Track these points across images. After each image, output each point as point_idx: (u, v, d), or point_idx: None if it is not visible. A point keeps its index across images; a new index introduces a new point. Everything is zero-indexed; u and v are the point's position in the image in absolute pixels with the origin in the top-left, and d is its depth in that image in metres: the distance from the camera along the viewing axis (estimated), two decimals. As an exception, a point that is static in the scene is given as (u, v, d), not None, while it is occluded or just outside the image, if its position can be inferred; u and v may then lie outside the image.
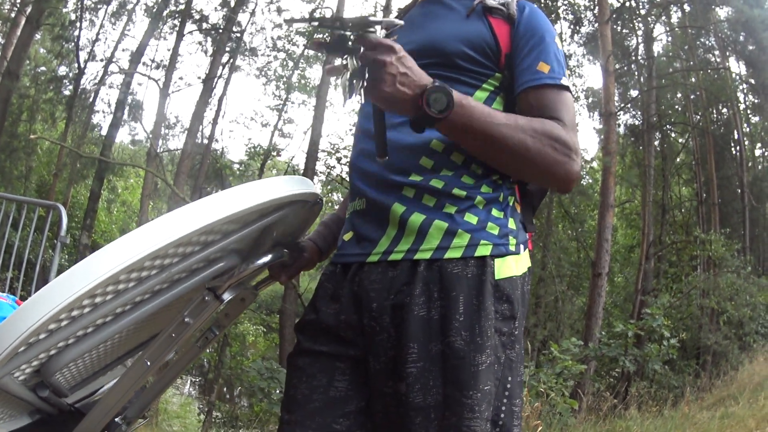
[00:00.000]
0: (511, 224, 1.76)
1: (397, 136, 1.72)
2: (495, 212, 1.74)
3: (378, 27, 1.51)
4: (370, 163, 1.80)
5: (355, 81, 1.52)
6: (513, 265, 1.72)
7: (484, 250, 1.67)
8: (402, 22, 1.54)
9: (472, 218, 1.70)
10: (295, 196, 1.58)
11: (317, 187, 1.54)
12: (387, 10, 17.00)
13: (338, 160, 19.94)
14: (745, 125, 23.76)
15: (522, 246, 1.78)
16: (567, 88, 1.76)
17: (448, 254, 1.66)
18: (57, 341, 1.40)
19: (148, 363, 1.60)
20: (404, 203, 1.72)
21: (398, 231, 1.72)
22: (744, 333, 17.09)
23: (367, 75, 1.48)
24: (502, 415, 1.65)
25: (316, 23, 1.49)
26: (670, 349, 11.60)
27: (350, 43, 1.50)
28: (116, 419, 2.08)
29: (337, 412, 1.73)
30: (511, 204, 1.79)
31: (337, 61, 1.59)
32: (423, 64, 1.69)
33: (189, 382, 24.43)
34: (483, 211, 1.72)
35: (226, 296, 1.53)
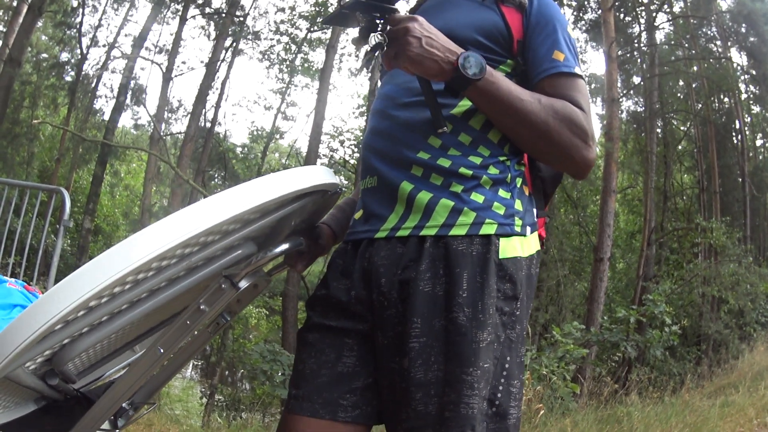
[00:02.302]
0: (518, 205, 1.78)
1: (406, 114, 1.78)
2: (502, 192, 1.76)
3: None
4: (382, 141, 1.85)
5: (378, 53, 1.61)
6: (518, 246, 1.74)
7: (488, 228, 1.70)
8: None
9: (478, 197, 1.73)
10: (319, 186, 1.58)
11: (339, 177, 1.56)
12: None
13: (341, 143, 19.96)
14: (747, 116, 23.73)
15: (529, 228, 1.80)
16: (581, 77, 1.79)
17: (454, 231, 1.69)
18: (73, 331, 1.39)
19: (161, 350, 1.60)
20: (412, 181, 1.76)
21: (406, 208, 1.76)
22: (744, 322, 17.11)
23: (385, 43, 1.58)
24: (499, 395, 1.67)
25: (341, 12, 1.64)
26: (671, 335, 11.60)
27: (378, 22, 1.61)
28: (124, 404, 2.08)
29: (344, 387, 1.75)
30: (518, 186, 1.81)
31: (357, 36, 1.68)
32: None
33: (191, 365, 24.49)
34: (489, 191, 1.75)
35: (243, 284, 1.53)
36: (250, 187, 1.36)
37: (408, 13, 1.67)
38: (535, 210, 1.88)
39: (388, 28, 1.60)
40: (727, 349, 15.86)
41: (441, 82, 1.65)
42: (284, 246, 1.57)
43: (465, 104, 1.77)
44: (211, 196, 1.31)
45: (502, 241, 1.70)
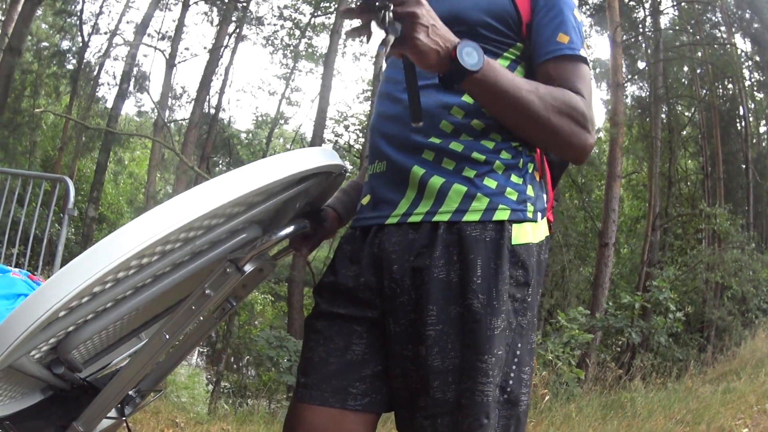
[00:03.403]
0: (530, 191, 1.77)
1: (422, 98, 1.70)
2: (514, 178, 1.74)
3: None
4: (391, 125, 1.82)
5: (385, 38, 1.48)
6: (530, 232, 1.73)
7: (502, 214, 1.68)
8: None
9: (491, 182, 1.71)
10: (323, 168, 1.56)
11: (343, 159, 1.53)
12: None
13: (346, 128, 19.95)
14: (750, 102, 23.68)
15: (540, 214, 1.79)
16: (585, 60, 1.77)
17: (467, 217, 1.68)
18: (76, 319, 1.39)
19: (167, 336, 1.59)
20: (424, 166, 1.73)
21: (417, 193, 1.74)
22: (747, 309, 17.11)
23: (399, 29, 1.47)
24: (511, 382, 1.66)
25: None
26: (675, 322, 11.61)
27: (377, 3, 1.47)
28: (130, 392, 2.08)
29: (353, 375, 1.74)
30: (530, 171, 1.80)
31: (356, 23, 1.57)
32: None
33: (197, 352, 24.57)
34: (502, 176, 1.73)
35: (248, 268, 1.51)
36: (254, 168, 1.35)
37: None
38: (545, 195, 1.87)
39: (392, 7, 1.47)
40: (729, 335, 15.87)
41: (435, 74, 1.60)
42: (289, 229, 1.56)
43: None
44: (214, 178, 1.30)
45: (515, 227, 1.69)
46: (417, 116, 1.60)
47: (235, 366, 22.06)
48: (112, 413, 2.03)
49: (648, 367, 10.17)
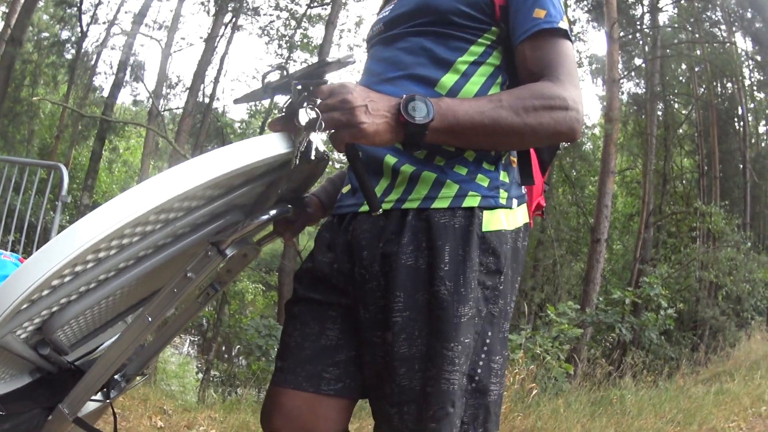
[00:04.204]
0: (503, 177, 1.76)
1: (390, 89, 1.69)
2: (486, 165, 1.74)
3: (330, 69, 1.48)
4: None
5: (316, 137, 1.47)
6: (503, 219, 1.72)
7: (472, 201, 1.68)
8: (353, 59, 1.48)
9: (461, 169, 1.71)
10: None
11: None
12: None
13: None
14: (750, 102, 23.64)
15: (516, 200, 1.79)
16: (565, 33, 1.71)
17: (436, 204, 1.68)
18: (59, 297, 1.40)
19: (149, 319, 1.60)
20: (396, 155, 1.73)
21: (390, 181, 1.74)
22: (742, 309, 17.11)
23: (335, 119, 1.44)
24: (479, 371, 1.67)
25: (267, 92, 1.49)
26: (666, 319, 11.63)
27: (304, 101, 1.44)
28: (116, 376, 2.10)
29: (327, 360, 1.77)
30: (503, 158, 1.78)
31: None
32: (418, 23, 1.75)
33: (188, 341, 24.56)
34: (472, 163, 1.72)
35: (229, 251, 1.52)
36: (231, 150, 1.35)
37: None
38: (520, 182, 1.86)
39: (318, 101, 1.45)
40: (723, 335, 15.87)
41: (405, 73, 1.60)
42: (271, 213, 1.56)
43: (450, 79, 1.74)
44: (191, 159, 1.30)
45: (486, 213, 1.68)
46: (374, 204, 1.56)
47: (225, 355, 22.03)
48: (98, 396, 2.06)
49: (639, 364, 10.18)
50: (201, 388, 12.57)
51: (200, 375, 17.33)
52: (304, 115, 1.42)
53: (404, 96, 1.49)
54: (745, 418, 6.75)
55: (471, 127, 1.54)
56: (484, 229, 1.67)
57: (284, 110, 1.46)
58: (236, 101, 1.56)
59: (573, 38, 1.81)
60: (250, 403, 6.85)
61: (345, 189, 1.91)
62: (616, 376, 8.97)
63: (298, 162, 1.44)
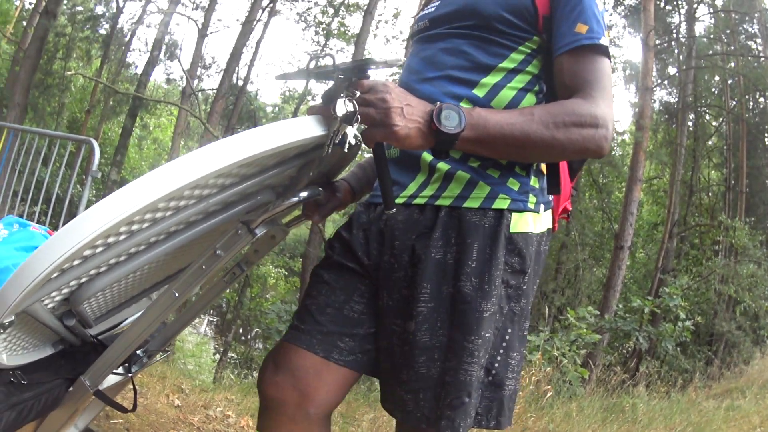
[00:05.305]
0: (534, 183, 1.80)
1: (428, 89, 1.75)
2: (517, 169, 1.77)
3: (376, 67, 1.51)
4: None
5: (350, 129, 1.48)
6: (530, 222, 1.76)
7: (501, 203, 1.72)
8: (401, 62, 1.50)
9: (494, 172, 1.75)
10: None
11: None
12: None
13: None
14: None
15: (543, 206, 1.83)
16: (605, 50, 1.71)
17: (468, 203, 1.72)
18: (89, 268, 1.42)
19: (176, 294, 1.63)
20: (432, 152, 1.72)
21: (426, 178, 1.79)
22: (759, 326, 16.97)
23: (370, 115, 1.46)
24: (497, 365, 1.72)
25: (311, 75, 1.50)
26: (684, 331, 11.56)
27: (343, 91, 1.46)
28: (138, 351, 2.12)
29: (345, 331, 1.82)
30: (534, 164, 1.81)
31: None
32: (461, 25, 1.77)
33: (206, 321, 24.68)
34: (505, 167, 1.76)
35: (259, 231, 1.54)
36: (269, 130, 1.36)
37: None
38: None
39: (358, 94, 1.48)
40: (738, 351, 15.75)
41: (443, 72, 1.61)
42: (303, 194, 1.58)
43: (487, 83, 1.75)
44: (228, 136, 1.31)
45: (514, 215, 1.73)
46: (390, 202, 1.60)
47: (243, 338, 22.16)
48: (120, 370, 2.08)
49: (653, 374, 10.14)
50: (218, 369, 12.63)
51: (217, 356, 17.41)
52: (342, 106, 1.44)
53: (438, 104, 1.52)
54: (753, 437, 6.73)
55: (501, 138, 1.56)
56: (511, 230, 1.71)
57: (323, 97, 1.49)
58: (278, 77, 1.58)
59: (612, 48, 1.80)
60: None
61: None
62: (630, 384, 8.94)
63: (330, 151, 1.46)
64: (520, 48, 1.77)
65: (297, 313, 1.90)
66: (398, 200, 1.81)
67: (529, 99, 1.78)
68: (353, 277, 1.85)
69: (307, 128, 1.43)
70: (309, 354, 1.79)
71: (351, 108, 1.45)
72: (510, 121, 1.57)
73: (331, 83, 1.49)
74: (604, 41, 1.71)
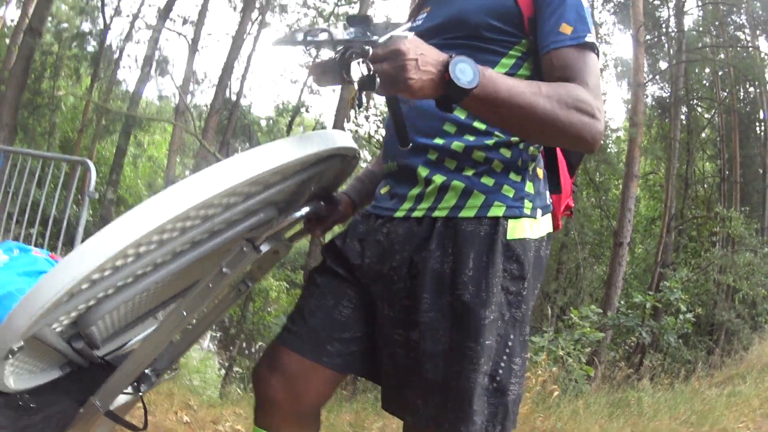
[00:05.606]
0: (529, 188, 1.81)
1: (424, 102, 1.73)
2: (512, 176, 1.78)
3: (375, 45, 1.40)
4: None
5: (367, 84, 1.38)
6: (528, 228, 1.78)
7: (497, 210, 1.74)
8: (407, 36, 1.41)
9: (488, 180, 1.77)
10: (338, 150, 1.59)
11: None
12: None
13: (366, 118, 19.86)
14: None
15: (540, 211, 1.84)
16: (591, 47, 1.70)
17: (463, 213, 1.75)
18: (97, 292, 1.43)
19: (185, 313, 1.64)
20: (428, 166, 1.80)
21: (422, 190, 1.81)
22: (756, 313, 16.99)
23: (385, 71, 1.37)
24: (500, 371, 1.73)
25: (304, 40, 1.41)
26: (685, 323, 11.58)
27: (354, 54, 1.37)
28: (146, 371, 2.13)
29: (334, 335, 1.86)
30: (530, 169, 1.83)
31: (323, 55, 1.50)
32: (449, 37, 1.77)
33: (209, 336, 24.60)
34: (500, 174, 1.77)
35: (264, 247, 1.56)
36: (272, 148, 1.37)
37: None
38: (548, 192, 1.92)
39: (371, 51, 1.37)
40: (738, 338, 15.76)
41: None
42: (304, 210, 1.60)
43: None
44: (233, 156, 1.32)
45: (511, 222, 1.74)
46: (405, 140, 1.61)
47: (247, 351, 22.11)
48: (129, 390, 2.09)
49: (657, 367, 10.15)
50: (224, 384, 12.62)
51: (222, 371, 17.39)
52: (357, 69, 1.36)
53: (454, 54, 1.44)
54: (754, 419, 6.77)
55: (507, 104, 1.51)
56: (508, 237, 1.73)
57: (334, 58, 1.40)
58: (274, 43, 1.51)
59: (599, 41, 1.80)
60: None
61: (383, 190, 1.96)
62: (635, 379, 8.95)
63: (357, 109, 1.42)
64: (510, 52, 1.79)
65: (291, 314, 1.96)
66: (398, 213, 1.84)
67: None
68: (342, 283, 1.90)
69: (311, 144, 1.45)
70: (300, 358, 1.85)
71: (365, 71, 1.36)
72: (520, 89, 1.52)
73: (325, 53, 1.44)
74: (589, 38, 1.70)
